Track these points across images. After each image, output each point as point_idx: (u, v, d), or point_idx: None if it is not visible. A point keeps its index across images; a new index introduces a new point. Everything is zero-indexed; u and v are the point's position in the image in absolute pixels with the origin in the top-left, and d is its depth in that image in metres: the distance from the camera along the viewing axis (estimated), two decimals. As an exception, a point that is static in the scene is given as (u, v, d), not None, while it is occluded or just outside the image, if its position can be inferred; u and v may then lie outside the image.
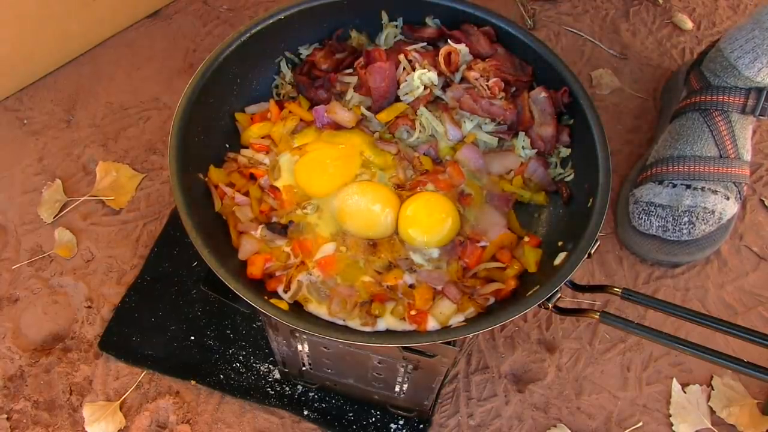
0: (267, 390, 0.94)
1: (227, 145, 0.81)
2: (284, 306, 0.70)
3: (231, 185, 0.77)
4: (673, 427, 0.95)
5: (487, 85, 0.80)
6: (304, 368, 0.87)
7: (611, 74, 1.26)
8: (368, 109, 0.82)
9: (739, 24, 1.06)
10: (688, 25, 1.33)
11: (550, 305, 0.68)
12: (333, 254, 0.74)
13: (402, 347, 0.68)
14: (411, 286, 0.73)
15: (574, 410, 0.96)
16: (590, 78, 1.26)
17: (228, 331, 0.99)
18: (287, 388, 0.94)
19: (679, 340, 0.64)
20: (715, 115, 1.04)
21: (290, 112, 0.82)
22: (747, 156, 1.06)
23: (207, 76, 0.77)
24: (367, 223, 0.74)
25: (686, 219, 1.02)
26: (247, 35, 0.80)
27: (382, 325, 0.71)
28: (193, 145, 0.74)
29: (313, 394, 0.94)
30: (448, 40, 0.83)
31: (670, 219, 1.03)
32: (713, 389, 0.98)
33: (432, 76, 0.81)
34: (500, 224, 0.77)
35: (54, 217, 1.08)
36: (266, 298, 0.68)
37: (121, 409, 0.93)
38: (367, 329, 0.71)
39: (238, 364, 0.96)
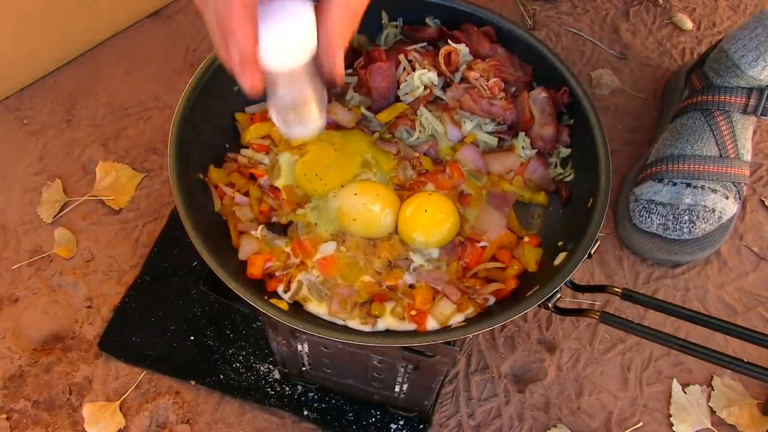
0: (267, 390, 0.94)
1: (227, 145, 0.81)
2: (284, 306, 0.70)
3: (231, 185, 0.77)
4: (674, 428, 0.95)
5: (487, 85, 0.80)
6: (304, 368, 0.87)
7: (611, 74, 1.26)
8: (368, 109, 0.82)
9: (742, 23, 1.06)
10: (688, 25, 1.33)
11: (550, 305, 0.68)
12: (333, 254, 0.74)
13: (402, 347, 0.68)
14: (411, 286, 0.73)
15: (574, 410, 0.96)
16: (590, 78, 1.26)
17: (228, 331, 0.99)
18: (287, 388, 0.94)
19: (679, 340, 0.64)
20: (716, 114, 1.04)
21: (290, 112, 0.82)
22: (747, 156, 1.06)
23: (207, 76, 0.77)
24: (367, 223, 0.74)
25: (686, 217, 1.02)
26: (247, 35, 0.80)
27: (382, 325, 0.71)
28: (193, 145, 0.74)
29: (313, 394, 0.94)
30: (448, 40, 0.83)
31: (671, 217, 1.03)
32: (713, 389, 0.98)
33: (432, 76, 0.81)
34: (500, 224, 0.77)
35: (54, 217, 1.08)
36: (266, 298, 0.68)
37: (120, 409, 0.93)
38: (367, 329, 0.71)
39: (238, 364, 0.96)
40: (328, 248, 0.74)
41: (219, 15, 0.50)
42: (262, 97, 0.83)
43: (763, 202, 1.14)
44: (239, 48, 0.50)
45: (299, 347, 0.80)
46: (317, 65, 0.55)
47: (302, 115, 0.60)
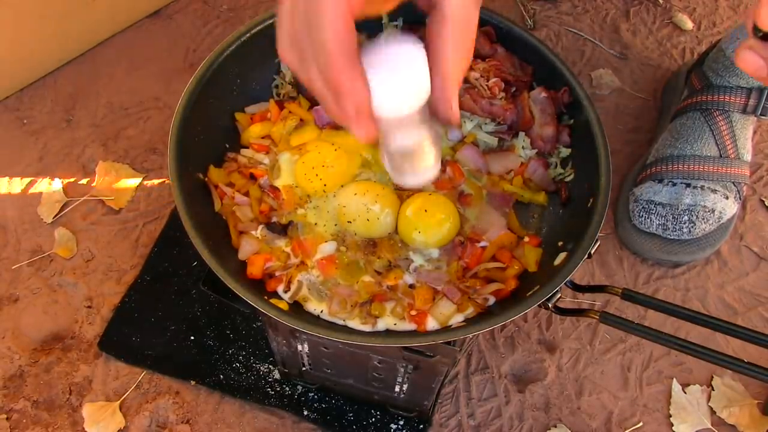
0: (267, 390, 0.94)
1: (227, 145, 0.81)
2: (284, 306, 0.70)
3: (231, 185, 0.77)
4: (674, 428, 0.95)
5: (487, 85, 0.80)
6: (304, 368, 0.87)
7: (611, 74, 1.26)
8: (368, 109, 0.82)
9: (741, 23, 1.06)
10: (689, 25, 1.33)
11: (550, 305, 0.68)
12: (333, 254, 0.74)
13: (402, 347, 0.68)
14: (411, 286, 0.73)
15: (574, 410, 0.96)
16: (590, 78, 1.26)
17: (228, 331, 0.99)
18: (287, 388, 0.94)
19: (679, 340, 0.64)
20: (716, 114, 1.04)
21: (290, 112, 0.82)
22: (747, 156, 1.06)
23: (207, 76, 0.77)
24: (367, 223, 0.74)
25: (686, 218, 1.02)
26: (247, 35, 0.80)
27: (382, 325, 0.71)
28: (193, 145, 0.74)
29: (313, 394, 0.94)
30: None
31: (670, 218, 1.03)
32: (713, 389, 0.98)
33: (432, 76, 0.81)
34: (500, 224, 0.77)
35: (54, 217, 1.08)
36: (266, 298, 0.68)
37: (120, 409, 0.93)
38: (367, 329, 0.71)
39: (238, 364, 0.96)
40: (328, 248, 0.74)
41: (324, 72, 0.48)
42: (260, 98, 0.84)
43: (763, 202, 1.14)
44: (353, 102, 0.48)
45: (299, 347, 0.80)
46: (432, 109, 0.52)
47: (416, 163, 0.57)
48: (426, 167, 0.58)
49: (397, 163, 0.58)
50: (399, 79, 0.50)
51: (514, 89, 0.82)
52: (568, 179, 0.80)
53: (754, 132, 1.11)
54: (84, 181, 1.12)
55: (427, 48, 0.50)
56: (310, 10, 0.47)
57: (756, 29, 0.47)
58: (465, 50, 0.51)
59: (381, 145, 0.57)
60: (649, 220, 1.04)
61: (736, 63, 0.50)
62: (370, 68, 0.49)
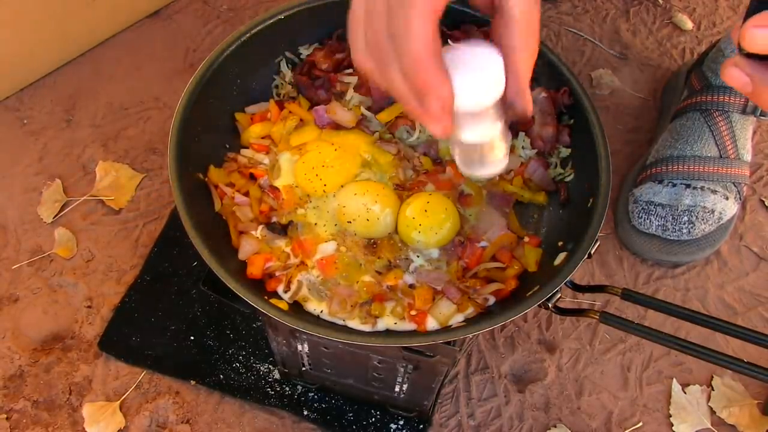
0: (267, 390, 0.94)
1: (227, 145, 0.81)
2: (284, 306, 0.70)
3: (231, 185, 0.77)
4: (674, 428, 0.95)
5: (487, 85, 0.80)
6: (304, 368, 0.87)
7: (611, 74, 1.26)
8: (368, 109, 0.82)
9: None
10: (688, 25, 1.33)
11: (550, 305, 0.68)
12: (333, 254, 0.74)
13: (402, 347, 0.68)
14: (411, 286, 0.73)
15: (574, 410, 0.96)
16: (590, 78, 1.26)
17: (228, 331, 0.99)
18: (287, 388, 0.95)
19: (679, 340, 0.64)
20: (715, 115, 1.04)
21: (290, 112, 0.82)
22: (747, 156, 1.06)
23: (207, 76, 0.77)
24: (367, 223, 0.74)
25: (686, 218, 1.02)
26: (247, 35, 0.80)
27: (381, 325, 0.71)
28: (193, 145, 0.74)
29: (313, 394, 0.94)
30: (448, 40, 0.83)
31: (670, 218, 1.03)
32: (713, 389, 0.98)
33: (432, 76, 0.81)
34: (500, 224, 0.77)
35: (54, 217, 1.08)
36: (266, 298, 0.68)
37: (120, 409, 0.93)
38: (367, 329, 0.71)
39: (238, 364, 0.96)
40: (328, 248, 0.74)
41: (409, 73, 0.50)
42: (260, 98, 0.84)
43: (763, 202, 1.14)
44: (439, 101, 0.51)
45: (299, 347, 0.80)
46: (507, 103, 0.56)
47: (487, 156, 0.60)
48: (495, 160, 0.61)
49: (467, 156, 0.61)
50: (478, 75, 0.53)
51: (514, 89, 0.82)
52: (568, 179, 0.80)
53: (754, 132, 1.11)
54: (84, 181, 1.12)
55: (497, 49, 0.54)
56: (397, 18, 0.50)
57: (740, 47, 0.48)
58: (533, 47, 0.54)
59: (453, 139, 0.60)
60: (648, 221, 1.04)
61: (721, 77, 0.51)
62: (452, 67, 0.52)
